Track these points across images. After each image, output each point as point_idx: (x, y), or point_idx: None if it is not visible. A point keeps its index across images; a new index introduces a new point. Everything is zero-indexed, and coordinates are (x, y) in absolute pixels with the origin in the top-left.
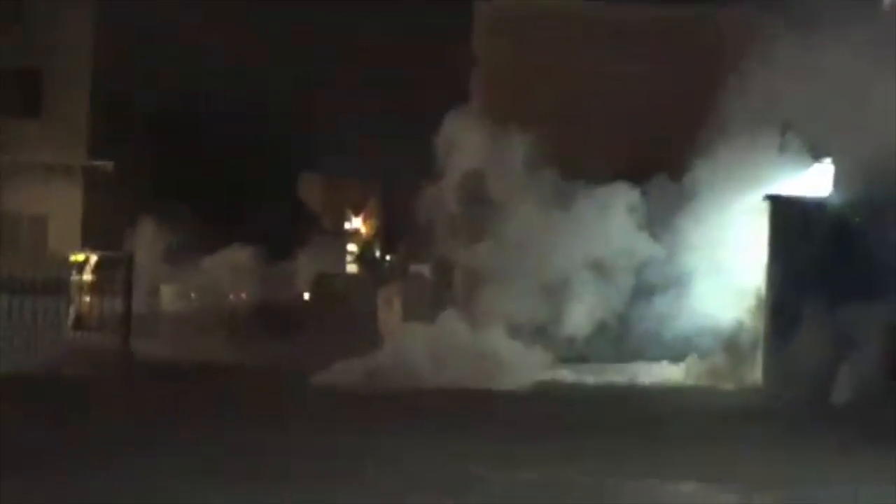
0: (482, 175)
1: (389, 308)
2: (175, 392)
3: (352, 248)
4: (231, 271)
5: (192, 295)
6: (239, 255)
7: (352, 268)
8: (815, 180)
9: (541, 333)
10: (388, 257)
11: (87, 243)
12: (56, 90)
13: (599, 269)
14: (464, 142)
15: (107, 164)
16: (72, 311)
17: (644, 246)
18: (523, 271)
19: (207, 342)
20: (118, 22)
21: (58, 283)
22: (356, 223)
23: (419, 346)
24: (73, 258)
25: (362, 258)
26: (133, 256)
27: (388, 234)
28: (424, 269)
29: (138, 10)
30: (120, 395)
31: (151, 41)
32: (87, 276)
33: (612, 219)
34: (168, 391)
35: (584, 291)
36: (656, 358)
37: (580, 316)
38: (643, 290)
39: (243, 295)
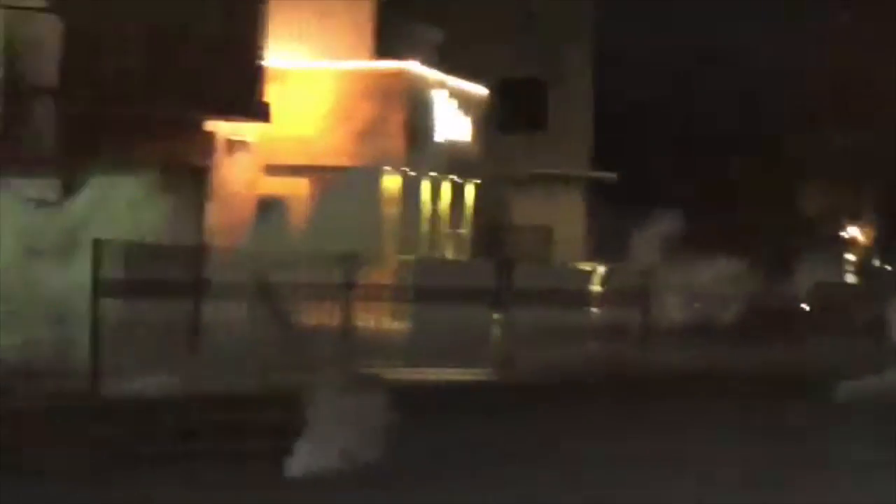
0: None
1: None
2: (694, 399)
3: (849, 256)
4: (728, 279)
5: (696, 305)
6: (735, 263)
7: (850, 277)
8: None
9: None
10: (887, 267)
11: (591, 253)
12: (561, 101)
13: None
14: None
15: (610, 176)
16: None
17: None
18: None
19: (715, 350)
20: (617, 30)
21: (573, 294)
22: (853, 231)
23: None
24: (581, 268)
25: (861, 267)
26: (652, 267)
27: (884, 241)
28: None
29: (635, 17)
30: (645, 401)
31: (648, 47)
32: (595, 287)
33: None
34: (689, 398)
35: None
36: None
37: None
38: None
39: (742, 303)
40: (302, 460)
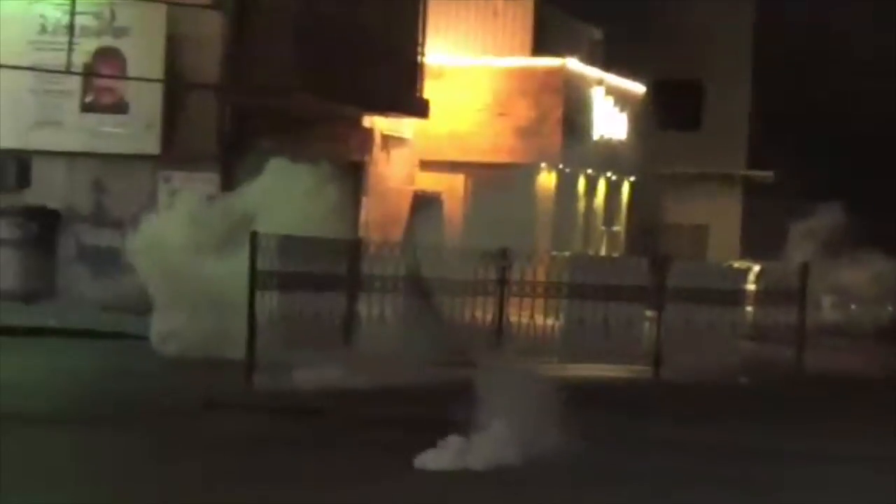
0: None
1: None
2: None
3: None
4: (881, 278)
5: (853, 306)
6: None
7: None
8: None
9: None
10: None
11: (746, 252)
12: (716, 100)
13: None
14: None
15: (766, 174)
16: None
17: None
18: None
19: (869, 353)
20: (772, 29)
21: (728, 293)
22: None
23: None
24: (736, 266)
25: None
26: (807, 266)
27: None
28: None
29: (790, 13)
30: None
31: (803, 43)
32: (751, 286)
33: None
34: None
35: None
36: None
37: None
38: None
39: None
40: (481, 453)
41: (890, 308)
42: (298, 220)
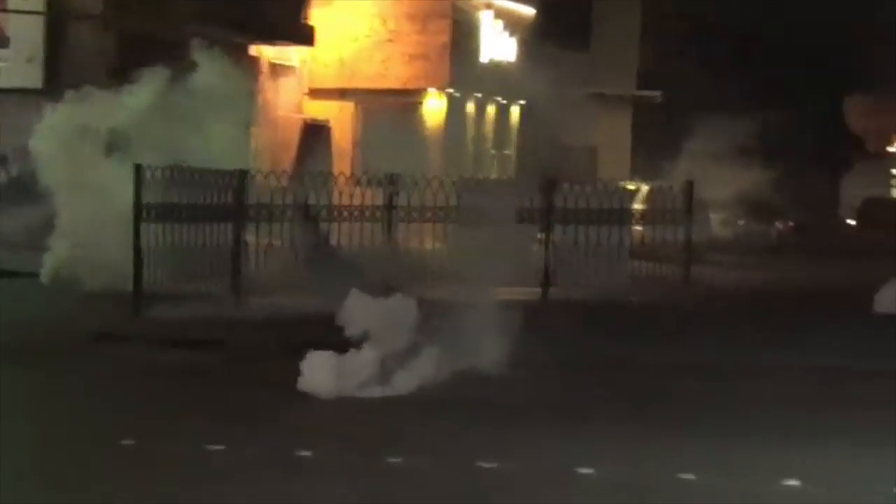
0: None
1: None
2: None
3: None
4: (771, 196)
5: (740, 222)
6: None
7: None
8: None
9: None
10: None
11: (636, 172)
12: (605, 20)
13: None
14: None
15: (655, 94)
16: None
17: None
18: None
19: (759, 267)
20: None
21: (616, 213)
22: None
23: None
24: (627, 187)
25: None
26: (692, 184)
27: None
28: None
29: None
30: (689, 319)
31: None
32: (639, 205)
33: None
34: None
35: None
36: None
37: None
38: None
39: (786, 222)
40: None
41: (779, 224)
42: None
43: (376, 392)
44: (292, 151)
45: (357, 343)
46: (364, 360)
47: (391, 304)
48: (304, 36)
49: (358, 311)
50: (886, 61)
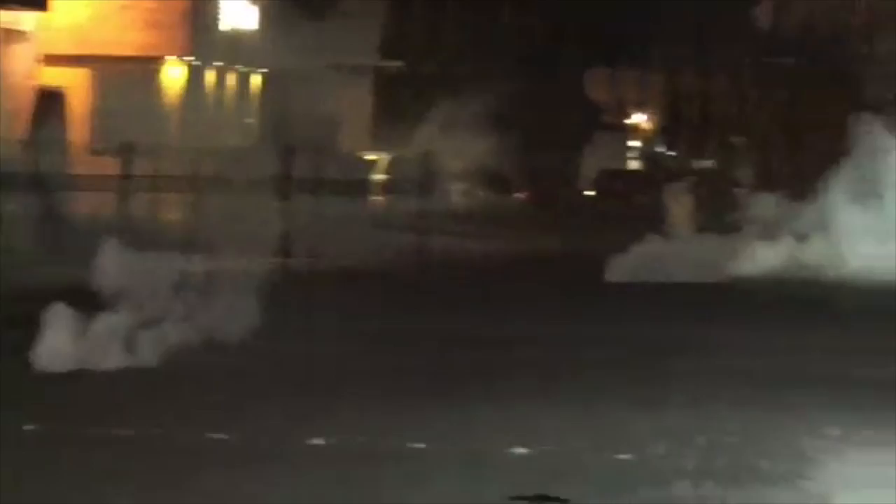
0: None
1: (678, 204)
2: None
3: (636, 143)
4: (510, 168)
5: (480, 193)
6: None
7: (634, 164)
8: None
9: None
10: (673, 153)
11: (378, 142)
12: None
13: None
14: None
15: (398, 64)
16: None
17: None
18: None
19: (494, 237)
20: None
21: (355, 183)
22: (640, 118)
23: None
24: (367, 157)
25: (645, 154)
26: (428, 155)
27: (673, 129)
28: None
29: None
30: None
31: None
32: (380, 175)
33: None
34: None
35: None
36: None
37: None
38: None
39: (525, 192)
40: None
41: (518, 195)
42: None
43: (121, 362)
44: (24, 119)
45: (102, 308)
46: (110, 327)
47: (150, 261)
48: (37, 0)
49: (112, 265)
50: (628, 34)
